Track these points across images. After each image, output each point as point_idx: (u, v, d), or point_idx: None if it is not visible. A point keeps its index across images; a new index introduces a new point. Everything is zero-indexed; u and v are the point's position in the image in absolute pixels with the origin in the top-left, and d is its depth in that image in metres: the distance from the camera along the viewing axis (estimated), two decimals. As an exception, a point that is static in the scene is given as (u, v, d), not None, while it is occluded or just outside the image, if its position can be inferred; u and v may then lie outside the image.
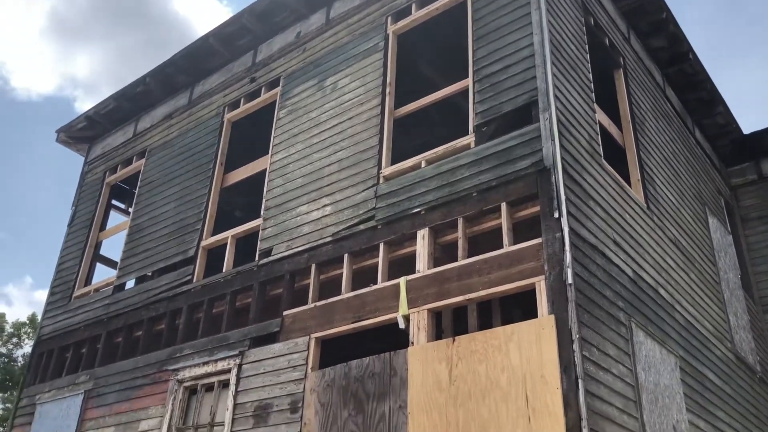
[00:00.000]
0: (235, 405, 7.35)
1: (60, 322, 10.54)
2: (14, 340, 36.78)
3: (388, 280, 6.87)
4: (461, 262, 6.34)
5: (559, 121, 6.26)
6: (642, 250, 7.12)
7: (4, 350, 36.27)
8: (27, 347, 35.89)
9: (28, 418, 9.88)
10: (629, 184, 7.71)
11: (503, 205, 6.30)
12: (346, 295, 7.10)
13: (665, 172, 8.76)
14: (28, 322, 36.77)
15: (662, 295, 7.23)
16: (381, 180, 7.43)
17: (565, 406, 5.08)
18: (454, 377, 5.81)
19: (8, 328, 36.62)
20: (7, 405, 33.86)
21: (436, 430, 5.69)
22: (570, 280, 5.49)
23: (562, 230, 5.72)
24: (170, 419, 7.92)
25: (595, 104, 7.41)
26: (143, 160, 11.19)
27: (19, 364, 35.35)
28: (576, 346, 5.24)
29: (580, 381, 5.10)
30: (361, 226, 7.34)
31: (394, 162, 7.57)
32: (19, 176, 78.28)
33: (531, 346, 5.47)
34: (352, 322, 6.88)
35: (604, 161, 7.03)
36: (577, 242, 5.81)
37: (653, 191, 8.11)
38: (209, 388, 7.93)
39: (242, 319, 8.10)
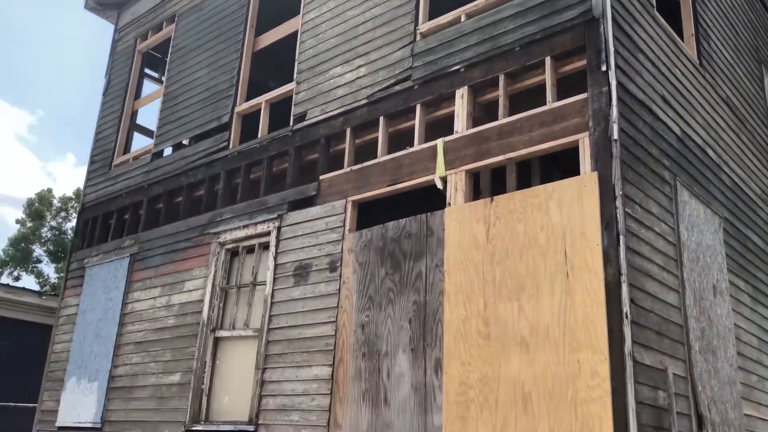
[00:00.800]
0: (276, 265, 7.52)
1: (102, 190, 10.75)
2: (62, 214, 38.09)
3: (425, 142, 6.73)
4: (502, 120, 6.14)
5: (610, -35, 5.79)
6: (691, 108, 6.79)
7: (54, 224, 37.74)
8: (75, 220, 37.21)
9: (78, 280, 10.33)
10: (682, 38, 7.24)
11: (547, 60, 5.98)
12: (381, 158, 7.01)
13: (721, 28, 8.20)
14: (74, 196, 37.93)
15: (710, 155, 6.97)
16: (418, 37, 7.11)
17: (605, 262, 5.03)
18: (491, 236, 5.79)
19: (56, 203, 37.90)
20: (61, 275, 35.70)
21: (472, 286, 5.75)
22: (615, 136, 5.28)
23: (609, 84, 5.44)
24: (214, 279, 8.18)
25: (649, -51, 6.83)
26: (173, 26, 10.90)
27: (69, 236, 36.84)
28: (618, 203, 5.11)
29: (621, 237, 5.02)
30: (397, 87, 7.11)
31: (432, 17, 7.19)
32: (51, 54, 78.09)
33: (572, 203, 5.36)
34: (389, 185, 6.83)
35: (656, 12, 6.57)
36: (624, 97, 5.53)
37: (707, 47, 7.63)
38: (250, 250, 8.10)
39: (279, 183, 8.13)
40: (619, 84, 5.49)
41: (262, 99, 8.85)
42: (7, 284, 20.47)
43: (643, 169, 5.61)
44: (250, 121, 9.24)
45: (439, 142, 6.51)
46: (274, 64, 10.76)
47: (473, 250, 5.86)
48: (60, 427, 9.38)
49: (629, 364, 4.73)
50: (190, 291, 8.43)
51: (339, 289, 6.81)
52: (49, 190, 38.32)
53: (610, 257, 5.03)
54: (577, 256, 5.18)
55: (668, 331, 5.37)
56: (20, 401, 11.07)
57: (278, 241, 7.62)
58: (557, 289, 5.21)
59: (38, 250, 37.04)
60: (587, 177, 5.35)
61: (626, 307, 4.85)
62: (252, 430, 6.94)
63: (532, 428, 5.01)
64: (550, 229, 5.42)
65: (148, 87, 11.94)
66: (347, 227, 7.02)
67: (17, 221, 37.02)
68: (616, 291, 4.93)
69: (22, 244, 36.68)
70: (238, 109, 9.09)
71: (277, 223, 7.73)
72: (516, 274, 5.51)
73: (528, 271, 5.44)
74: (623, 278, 4.93)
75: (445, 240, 6.13)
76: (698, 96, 7.03)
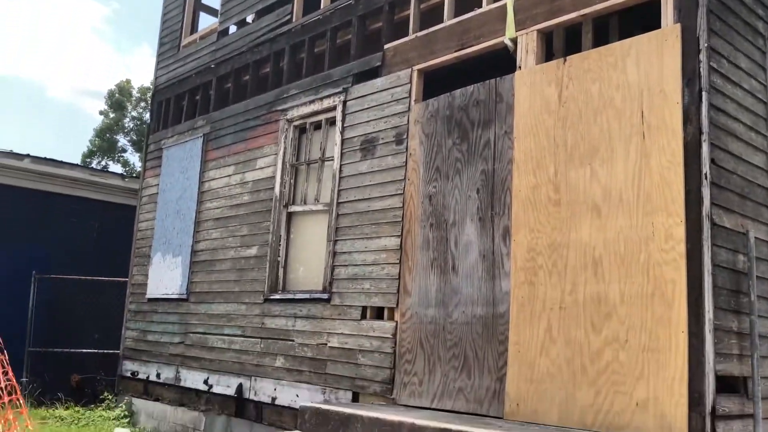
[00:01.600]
0: (343, 140, 7.48)
1: (172, 72, 10.84)
2: (142, 104, 39.08)
3: (494, 2, 6.36)
4: (576, -27, 5.68)
5: None
6: (795, -49, 6.06)
7: (135, 114, 38.89)
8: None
9: (157, 161, 10.67)
10: None
11: None
12: (448, 22, 6.70)
13: None
14: (151, 86, 38.77)
15: (813, 4, 6.29)
16: None
17: (685, 120, 4.72)
18: (563, 99, 5.51)
19: (135, 93, 38.85)
20: (145, 162, 37.15)
21: (542, 152, 5.55)
22: (703, -18, 4.80)
23: None
24: (284, 156, 8.26)
25: None
26: None
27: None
28: (703, 57, 4.72)
29: (703, 93, 4.67)
30: (464, -57, 6.65)
31: None
32: (120, -58, 77.41)
33: (651, 59, 4.98)
34: (456, 50, 6.55)
35: None
36: (715, -63, 4.97)
37: None
38: (317, 126, 8.08)
39: (344, 56, 7.94)
40: None
41: (323, -33, 8.51)
42: (92, 167, 21.42)
43: (734, 20, 5.12)
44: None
45: (509, 1, 6.12)
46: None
47: (544, 115, 5.62)
48: (150, 299, 10.02)
49: (707, 226, 4.52)
50: (262, 168, 8.56)
51: (406, 162, 6.75)
52: (128, 81, 39.17)
53: (690, 115, 4.71)
54: (655, 116, 4.88)
55: (752, 194, 5.08)
56: (112, 276, 11.84)
57: (344, 115, 7.54)
58: (632, 151, 4.96)
59: (122, 140, 38.49)
60: (669, 30, 4.93)
61: (706, 168, 4.59)
62: (326, 297, 7.19)
63: (603, 291, 4.94)
64: (626, 89, 5.10)
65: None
66: (413, 98, 6.85)
67: (100, 112, 38.38)
68: (695, 151, 4.64)
69: (107, 135, 38.17)
70: (299, -21, 8.81)
71: (342, 97, 7.62)
72: (589, 137, 5.27)
73: (602, 133, 5.19)
74: (704, 137, 4.63)
75: (514, 105, 5.89)
76: (804, -64, 6.26)
